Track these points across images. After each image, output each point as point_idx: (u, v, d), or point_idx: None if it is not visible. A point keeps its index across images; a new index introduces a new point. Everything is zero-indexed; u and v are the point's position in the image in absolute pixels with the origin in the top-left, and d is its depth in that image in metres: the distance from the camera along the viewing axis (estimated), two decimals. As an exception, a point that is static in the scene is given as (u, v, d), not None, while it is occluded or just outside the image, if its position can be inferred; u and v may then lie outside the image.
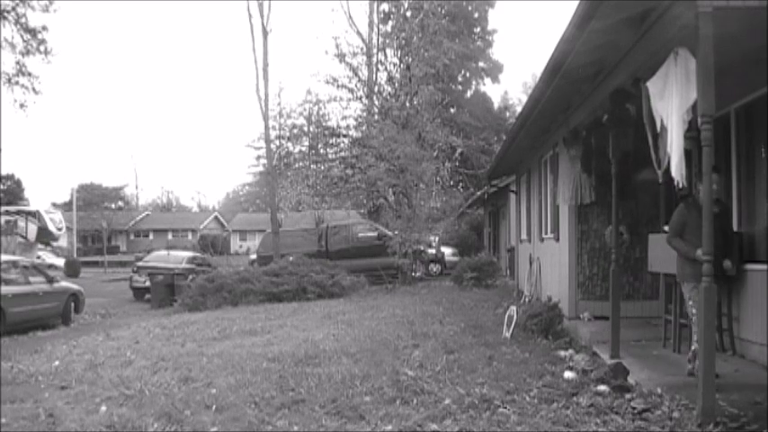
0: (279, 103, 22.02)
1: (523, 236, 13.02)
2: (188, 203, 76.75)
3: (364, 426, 4.41)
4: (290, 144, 22.24)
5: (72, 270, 29.11)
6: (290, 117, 21.66)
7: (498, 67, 35.94)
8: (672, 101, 4.46)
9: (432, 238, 22.55)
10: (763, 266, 5.20)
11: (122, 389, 5.64)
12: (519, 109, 22.09)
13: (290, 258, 17.16)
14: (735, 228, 5.91)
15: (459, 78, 34.58)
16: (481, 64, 35.37)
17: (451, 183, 26.23)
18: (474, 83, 35.83)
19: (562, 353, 6.51)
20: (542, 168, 10.41)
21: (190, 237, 51.31)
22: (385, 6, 25.73)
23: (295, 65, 62.16)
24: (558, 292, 8.66)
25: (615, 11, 4.49)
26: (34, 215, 29.82)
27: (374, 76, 22.22)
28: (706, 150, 3.93)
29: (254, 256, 24.88)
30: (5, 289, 11.14)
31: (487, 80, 36.19)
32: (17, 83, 23.30)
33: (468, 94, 35.29)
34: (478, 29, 35.14)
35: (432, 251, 22.72)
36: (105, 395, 5.48)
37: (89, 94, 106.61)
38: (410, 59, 20.11)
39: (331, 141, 22.44)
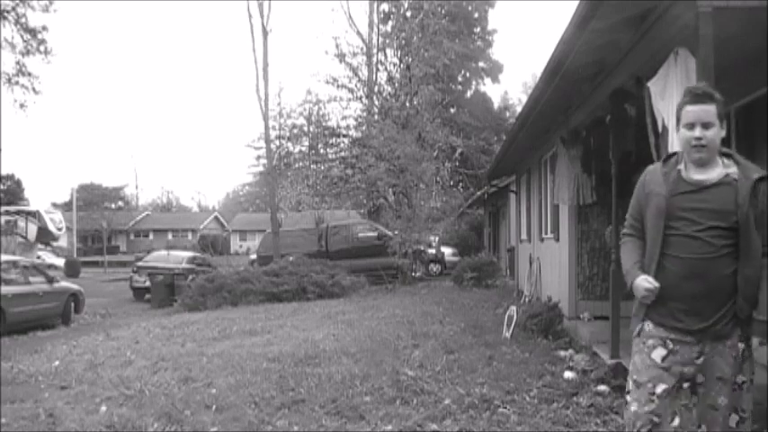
0: (279, 103, 22.05)
1: (523, 236, 13.02)
2: (188, 203, 76.84)
3: (364, 426, 4.41)
4: (290, 144, 22.25)
5: (72, 270, 29.09)
6: (290, 117, 21.69)
7: (498, 67, 35.94)
8: (673, 101, 4.46)
9: (432, 238, 22.54)
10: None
11: (122, 389, 5.64)
12: (519, 109, 22.10)
13: (290, 258, 17.16)
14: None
15: (459, 78, 34.57)
16: (481, 64, 35.36)
17: (451, 183, 26.24)
18: (474, 83, 35.83)
19: (562, 353, 6.51)
20: (542, 168, 10.41)
21: (190, 237, 51.30)
22: (385, 6, 25.73)
23: (295, 65, 62.25)
24: (557, 292, 8.65)
25: (615, 11, 4.49)
26: (34, 215, 29.80)
27: (374, 76, 22.23)
28: (706, 150, 3.93)
29: (254, 256, 24.88)
30: (5, 289, 11.14)
31: (487, 80, 36.20)
32: (17, 83, 23.35)
33: (468, 94, 35.29)
34: (478, 29, 35.14)
35: (432, 251, 22.72)
36: (105, 395, 5.48)
37: (89, 94, 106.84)
38: (410, 59, 20.12)
39: (331, 141, 22.45)
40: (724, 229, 2.41)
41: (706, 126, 2.47)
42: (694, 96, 2.50)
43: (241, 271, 16.46)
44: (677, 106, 2.57)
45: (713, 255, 2.41)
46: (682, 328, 2.48)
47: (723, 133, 2.53)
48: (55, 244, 34.50)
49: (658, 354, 2.51)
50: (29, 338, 10.78)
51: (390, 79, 22.13)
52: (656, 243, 2.52)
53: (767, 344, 2.55)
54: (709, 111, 2.48)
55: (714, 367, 2.46)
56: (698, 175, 2.51)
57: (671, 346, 2.50)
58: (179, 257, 20.97)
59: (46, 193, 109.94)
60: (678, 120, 2.57)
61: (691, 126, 2.49)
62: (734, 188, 2.44)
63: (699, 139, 2.47)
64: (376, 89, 21.87)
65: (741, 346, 2.48)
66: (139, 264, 20.89)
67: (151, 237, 55.22)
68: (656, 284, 2.46)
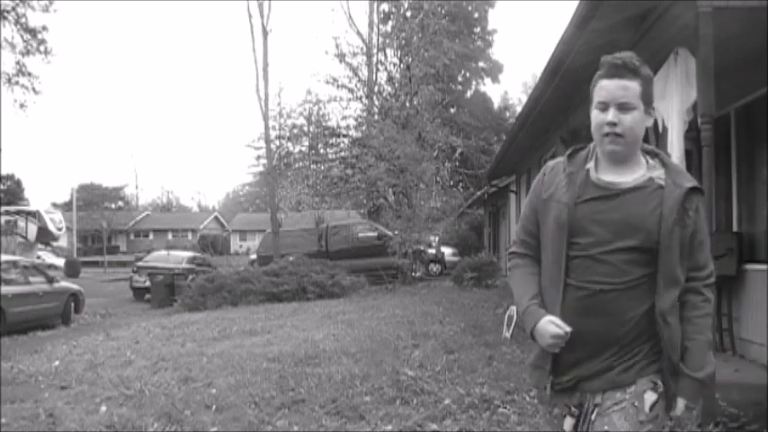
0: (279, 103, 22.02)
1: (523, 236, 13.01)
2: (188, 203, 76.84)
3: (364, 426, 4.41)
4: (290, 144, 22.25)
5: (72, 270, 29.09)
6: (290, 117, 21.69)
7: (498, 67, 35.96)
8: (672, 101, 4.47)
9: (432, 238, 22.54)
10: (763, 266, 5.20)
11: (122, 389, 5.64)
12: (519, 109, 22.11)
13: (290, 258, 17.16)
14: (734, 228, 5.91)
15: (459, 78, 34.58)
16: (481, 64, 35.39)
17: (451, 183, 26.23)
18: (474, 83, 35.85)
19: (562, 353, 6.49)
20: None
21: (190, 237, 51.30)
22: (385, 6, 25.73)
23: (295, 65, 62.26)
24: (558, 292, 8.63)
25: (615, 11, 4.50)
26: (34, 215, 29.81)
27: (374, 76, 22.23)
28: (706, 150, 3.93)
29: (254, 256, 24.89)
30: (5, 289, 11.14)
31: (487, 80, 36.23)
32: (17, 83, 23.34)
33: (468, 94, 35.30)
34: (478, 29, 35.16)
35: (432, 251, 22.71)
36: (105, 395, 5.48)
37: (89, 94, 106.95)
38: (410, 59, 20.12)
39: (331, 141, 22.45)
40: (639, 250, 1.76)
41: (624, 108, 1.79)
42: (611, 68, 1.83)
43: (241, 271, 16.45)
44: (592, 81, 1.92)
45: (621, 286, 1.76)
46: (581, 387, 1.87)
47: (650, 122, 1.87)
48: (55, 244, 34.50)
49: (569, 424, 1.91)
50: (29, 338, 10.78)
51: (390, 79, 22.13)
52: (558, 268, 1.83)
53: (694, 409, 1.83)
54: (629, 88, 1.80)
55: (605, 420, 1.80)
56: (610, 176, 1.84)
57: (577, 411, 1.89)
58: (179, 257, 20.98)
59: (46, 193, 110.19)
60: (591, 99, 1.90)
61: (604, 107, 1.82)
62: (658, 196, 1.80)
63: (612, 124, 1.79)
64: (376, 89, 21.87)
65: (651, 397, 1.79)
66: (139, 264, 20.89)
67: (151, 237, 55.22)
68: (567, 329, 1.76)
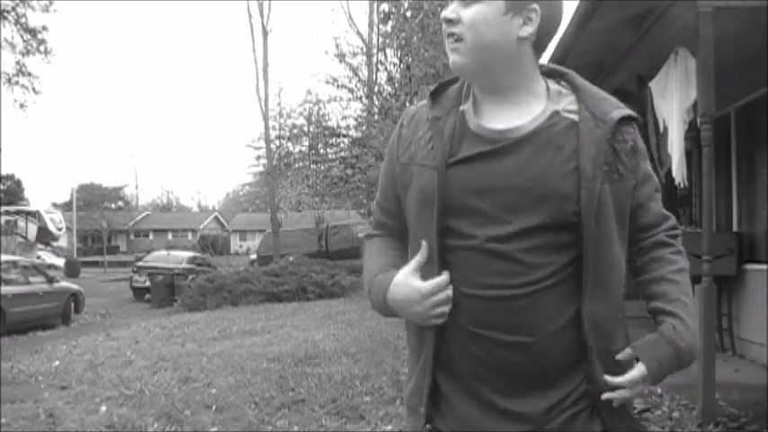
0: (279, 103, 22.09)
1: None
2: (188, 203, 76.88)
3: (364, 426, 4.41)
4: (290, 144, 22.29)
5: (72, 270, 29.11)
6: (290, 117, 21.75)
7: (498, 67, 35.99)
8: (672, 100, 4.47)
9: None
10: (763, 266, 5.20)
11: (122, 389, 5.64)
12: (519, 109, 22.00)
13: (290, 258, 17.18)
14: (735, 227, 5.92)
15: (460, 78, 34.64)
16: (481, 64, 35.42)
17: (451, 182, 26.26)
18: (474, 83, 35.89)
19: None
20: (542, 168, 10.41)
21: (190, 237, 51.30)
22: (385, 6, 25.72)
23: (295, 65, 62.39)
24: (558, 292, 8.63)
25: (615, 11, 4.50)
26: (34, 215, 29.81)
27: (374, 76, 22.25)
28: (706, 150, 3.93)
29: (254, 256, 24.91)
30: (5, 289, 11.14)
31: (487, 80, 36.24)
32: (17, 83, 23.32)
33: (468, 94, 35.35)
34: (478, 29, 35.21)
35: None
36: (105, 395, 5.47)
37: (89, 94, 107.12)
38: (410, 59, 20.13)
39: (331, 141, 22.47)
40: (551, 230, 1.14)
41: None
42: None
43: (241, 271, 16.48)
44: None
45: (530, 288, 1.13)
46: None
47: (524, 29, 1.16)
48: (55, 244, 34.49)
49: None
50: (29, 338, 10.78)
51: (390, 79, 22.13)
52: (431, 265, 1.18)
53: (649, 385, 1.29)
54: None
55: None
56: (496, 120, 1.19)
57: None
58: (179, 257, 21.00)
59: (46, 193, 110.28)
60: None
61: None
62: (571, 140, 1.15)
63: (448, 21, 1.18)
64: (376, 89, 21.88)
65: None
66: (139, 264, 20.91)
67: (151, 237, 55.22)
68: (444, 277, 1.15)
